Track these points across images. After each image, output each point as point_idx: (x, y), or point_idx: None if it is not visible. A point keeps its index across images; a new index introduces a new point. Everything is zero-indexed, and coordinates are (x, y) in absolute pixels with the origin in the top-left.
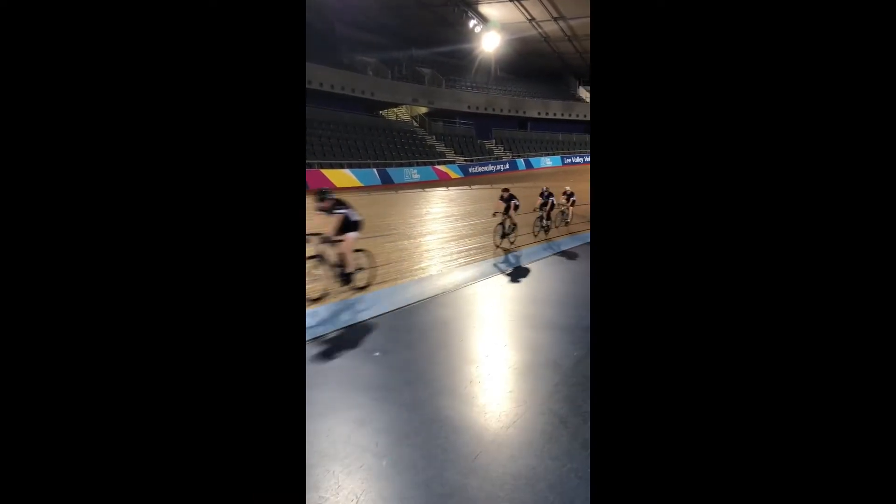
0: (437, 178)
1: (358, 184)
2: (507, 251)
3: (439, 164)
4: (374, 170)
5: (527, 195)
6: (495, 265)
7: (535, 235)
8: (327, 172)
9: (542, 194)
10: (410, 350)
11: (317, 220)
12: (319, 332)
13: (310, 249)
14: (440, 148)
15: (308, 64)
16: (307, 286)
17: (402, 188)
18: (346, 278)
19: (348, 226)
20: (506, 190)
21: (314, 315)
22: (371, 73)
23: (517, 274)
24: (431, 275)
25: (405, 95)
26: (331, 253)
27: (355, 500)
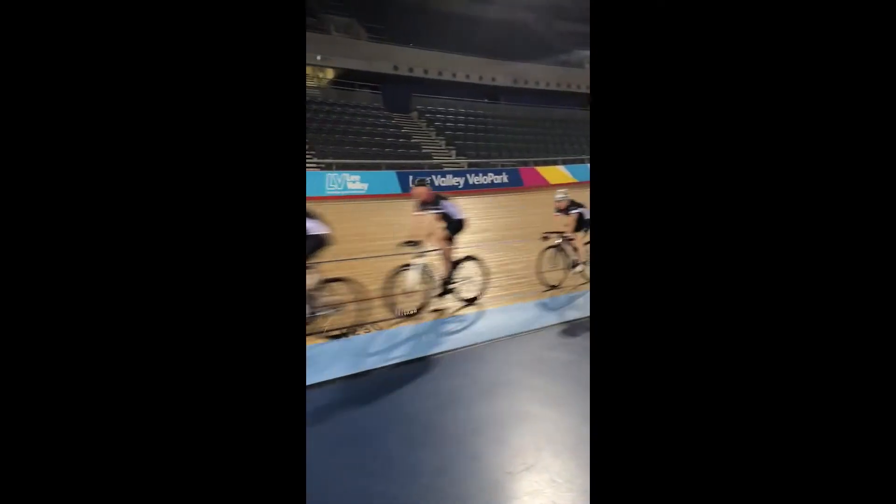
0: None
1: (571, 180)
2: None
3: None
4: (589, 164)
5: None
6: None
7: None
8: (542, 170)
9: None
10: None
11: (556, 219)
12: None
13: (550, 242)
14: None
15: (525, 63)
16: (550, 274)
17: None
18: (574, 266)
19: (582, 223)
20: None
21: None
22: (587, 66)
23: None
24: None
25: None
26: (567, 247)
27: None
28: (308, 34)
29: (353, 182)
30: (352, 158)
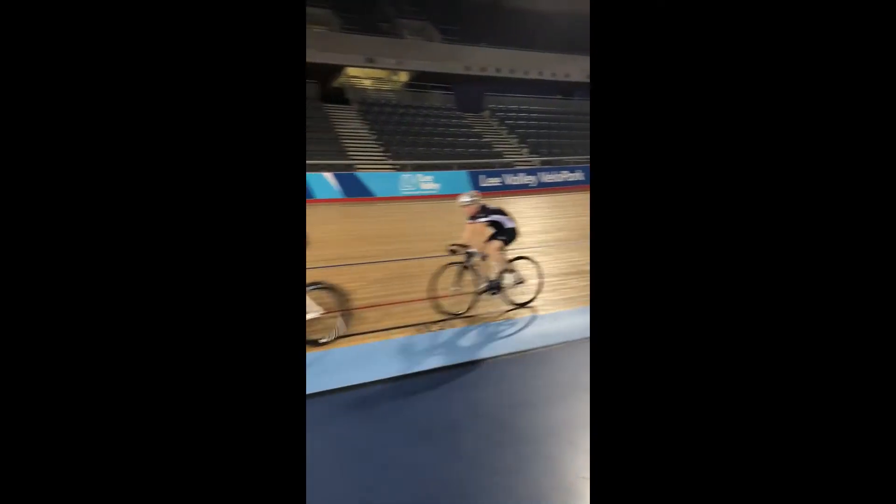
0: None
1: None
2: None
3: None
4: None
5: None
6: None
7: None
8: None
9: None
10: None
11: (467, 230)
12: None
13: (456, 258)
14: None
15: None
16: (450, 300)
17: None
18: (496, 290)
19: (502, 233)
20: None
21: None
22: None
23: None
24: None
25: None
26: (477, 262)
27: None
28: (383, 39)
29: (426, 182)
30: (425, 159)
